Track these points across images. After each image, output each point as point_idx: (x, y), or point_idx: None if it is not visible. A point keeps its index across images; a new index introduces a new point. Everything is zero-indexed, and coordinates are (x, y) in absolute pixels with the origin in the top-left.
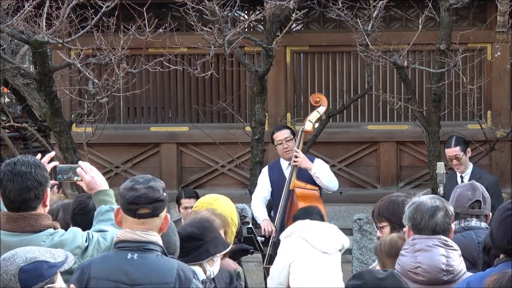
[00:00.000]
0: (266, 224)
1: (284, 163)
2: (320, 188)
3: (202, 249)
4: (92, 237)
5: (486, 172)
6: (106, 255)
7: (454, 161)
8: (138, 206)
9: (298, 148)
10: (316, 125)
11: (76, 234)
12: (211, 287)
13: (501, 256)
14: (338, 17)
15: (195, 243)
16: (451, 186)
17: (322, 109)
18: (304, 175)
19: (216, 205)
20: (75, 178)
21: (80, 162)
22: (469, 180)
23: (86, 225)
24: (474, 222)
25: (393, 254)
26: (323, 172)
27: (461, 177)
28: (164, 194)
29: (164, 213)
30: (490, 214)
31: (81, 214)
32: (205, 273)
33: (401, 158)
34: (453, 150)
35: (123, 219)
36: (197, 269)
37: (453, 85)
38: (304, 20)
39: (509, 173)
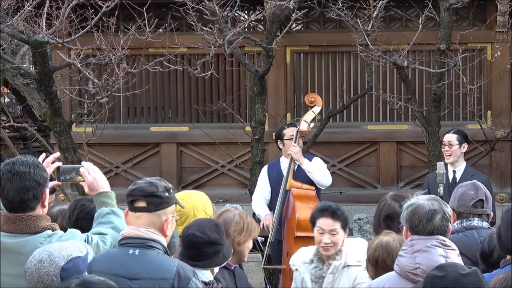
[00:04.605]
0: (265, 218)
1: (283, 162)
2: (317, 188)
3: (220, 254)
4: (92, 240)
5: (479, 172)
6: (109, 252)
7: (446, 147)
8: (133, 198)
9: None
10: (312, 125)
11: (74, 236)
12: (218, 287)
13: (508, 257)
14: (338, 17)
15: (215, 248)
16: (434, 186)
17: (317, 109)
18: (301, 175)
19: (186, 199)
20: (78, 178)
21: (83, 163)
22: (462, 176)
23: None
24: (476, 222)
25: (373, 262)
26: (315, 168)
27: (454, 171)
28: (166, 194)
29: (165, 214)
30: (491, 213)
31: (87, 219)
32: (213, 274)
33: (401, 158)
34: (450, 136)
35: (128, 217)
36: (207, 272)
37: (453, 85)
38: (304, 20)
39: (509, 173)
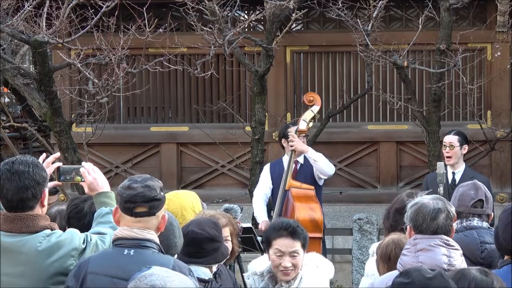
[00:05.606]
0: (262, 225)
1: (286, 161)
2: (315, 187)
3: (219, 251)
4: (90, 240)
5: (478, 173)
6: (103, 252)
7: (447, 149)
8: (134, 204)
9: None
10: (311, 124)
11: (73, 235)
12: (217, 287)
13: (506, 257)
14: (338, 17)
15: (214, 244)
16: (434, 186)
17: (316, 108)
18: (302, 176)
19: (175, 199)
20: (78, 178)
21: (83, 163)
22: (461, 178)
23: (81, 229)
24: (476, 222)
25: (385, 258)
26: (319, 156)
27: (453, 173)
28: (161, 193)
29: (161, 213)
30: (492, 213)
31: (76, 218)
32: (211, 273)
33: (401, 158)
34: (451, 137)
35: (120, 218)
36: (206, 270)
37: (453, 85)
38: (304, 20)
39: (509, 173)
